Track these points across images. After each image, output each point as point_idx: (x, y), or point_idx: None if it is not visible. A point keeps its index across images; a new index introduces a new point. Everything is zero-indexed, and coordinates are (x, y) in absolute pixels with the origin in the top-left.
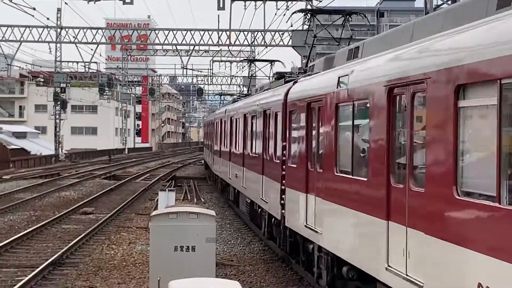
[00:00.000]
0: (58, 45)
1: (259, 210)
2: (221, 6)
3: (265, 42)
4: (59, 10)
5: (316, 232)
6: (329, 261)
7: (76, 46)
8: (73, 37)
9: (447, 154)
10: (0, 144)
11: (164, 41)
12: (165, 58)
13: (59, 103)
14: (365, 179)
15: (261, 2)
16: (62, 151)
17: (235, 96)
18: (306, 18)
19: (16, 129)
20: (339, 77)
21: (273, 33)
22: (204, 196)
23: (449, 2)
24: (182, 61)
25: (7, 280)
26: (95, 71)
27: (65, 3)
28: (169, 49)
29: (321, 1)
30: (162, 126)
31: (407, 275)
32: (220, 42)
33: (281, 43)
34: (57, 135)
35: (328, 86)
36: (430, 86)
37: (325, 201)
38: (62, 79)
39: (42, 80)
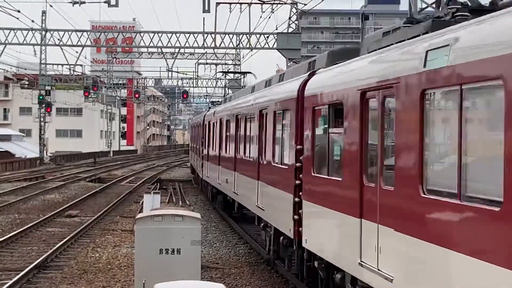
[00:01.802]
0: (43, 47)
1: None
2: (206, 8)
3: (250, 44)
4: (44, 12)
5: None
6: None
7: (61, 48)
8: (58, 39)
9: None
10: None
11: (149, 44)
12: (150, 60)
13: (44, 105)
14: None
15: (246, 5)
16: (47, 154)
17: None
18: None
19: (0, 131)
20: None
21: (258, 35)
22: (189, 198)
23: (433, 5)
24: (167, 64)
25: None
26: (80, 73)
27: (50, 5)
28: (154, 52)
29: (306, 5)
30: (147, 129)
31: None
32: (205, 45)
33: (266, 45)
34: (42, 138)
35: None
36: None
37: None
38: (47, 82)
39: (26, 82)
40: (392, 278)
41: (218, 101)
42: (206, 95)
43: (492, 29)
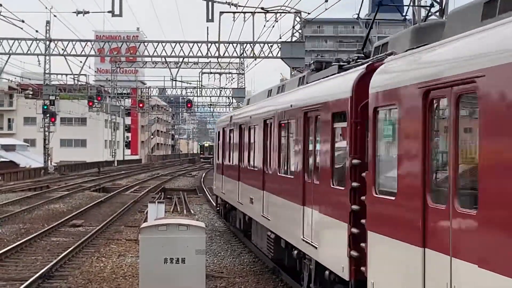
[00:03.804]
0: (47, 57)
1: None
2: (210, 18)
3: (254, 54)
4: (48, 22)
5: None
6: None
7: (65, 58)
8: (62, 49)
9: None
10: None
11: (153, 53)
12: (154, 70)
13: (48, 115)
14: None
15: (250, 14)
16: (51, 164)
17: None
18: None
19: (5, 141)
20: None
21: (262, 45)
22: (194, 208)
23: (437, 14)
24: (171, 73)
25: None
26: (84, 83)
27: (54, 15)
28: (158, 61)
29: (309, 14)
30: (152, 138)
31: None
32: (209, 54)
33: (270, 54)
34: (46, 148)
35: None
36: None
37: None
38: (51, 92)
39: (31, 92)
40: None
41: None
42: (210, 105)
43: None
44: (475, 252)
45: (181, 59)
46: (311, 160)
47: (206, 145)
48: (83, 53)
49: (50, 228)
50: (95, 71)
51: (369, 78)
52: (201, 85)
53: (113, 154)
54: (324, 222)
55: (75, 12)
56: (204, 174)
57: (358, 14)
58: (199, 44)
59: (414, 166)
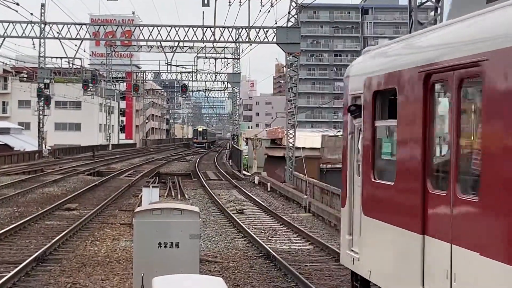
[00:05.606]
0: (42, 40)
1: None
2: (205, 2)
3: (249, 38)
4: (43, 5)
5: None
6: None
7: (60, 41)
8: (57, 32)
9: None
10: None
11: (149, 37)
12: (150, 54)
13: (42, 99)
14: None
15: None
16: (45, 147)
17: None
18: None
19: None
20: None
21: (257, 30)
22: (188, 192)
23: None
24: (166, 58)
25: None
26: (79, 67)
27: None
28: (153, 45)
29: None
30: (146, 123)
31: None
32: (204, 39)
33: (265, 40)
34: (41, 131)
35: None
36: None
37: None
38: (46, 75)
39: (25, 75)
40: None
41: None
42: (205, 89)
43: None
44: None
45: (176, 44)
46: None
47: (200, 129)
48: (78, 36)
49: (44, 212)
50: (90, 55)
51: None
52: (196, 69)
53: (108, 138)
54: None
55: None
56: (198, 159)
57: None
58: (195, 29)
59: None
